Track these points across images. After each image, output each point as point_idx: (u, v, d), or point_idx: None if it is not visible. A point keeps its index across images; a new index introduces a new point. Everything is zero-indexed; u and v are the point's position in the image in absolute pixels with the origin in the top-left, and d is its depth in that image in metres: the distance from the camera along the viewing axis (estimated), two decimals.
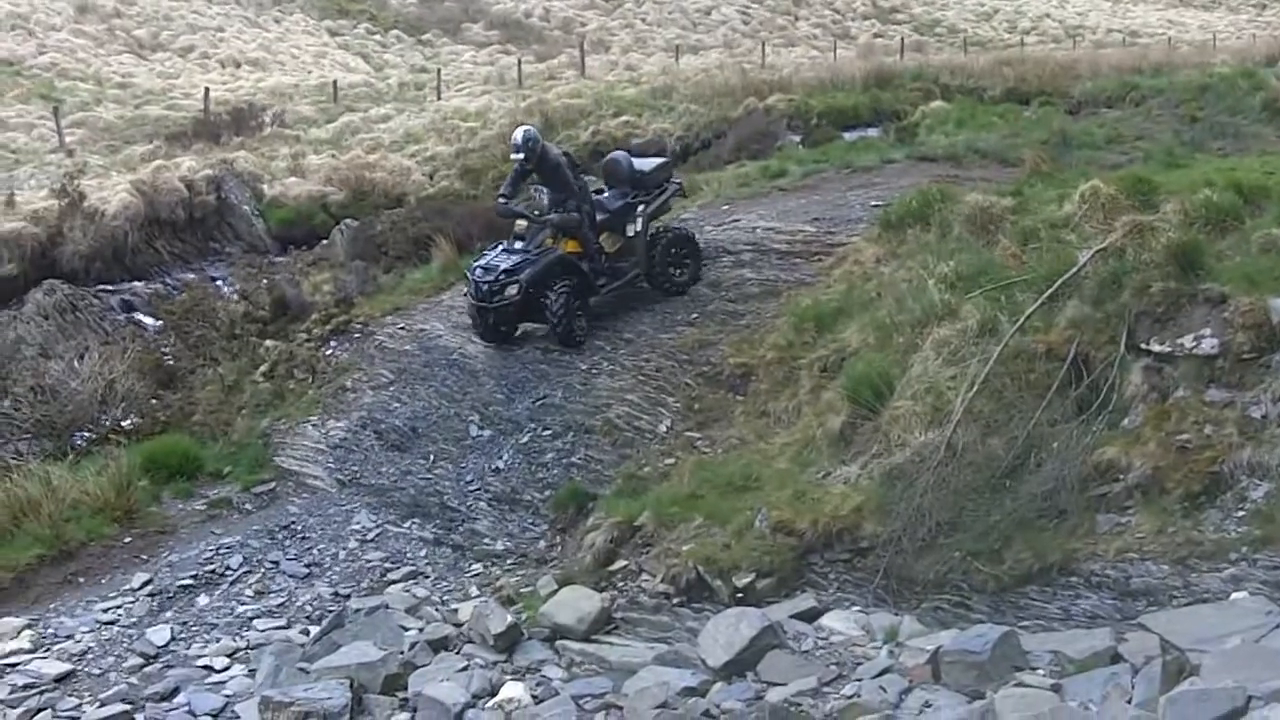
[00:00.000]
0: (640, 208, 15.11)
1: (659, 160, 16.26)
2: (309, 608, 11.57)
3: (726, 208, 18.16)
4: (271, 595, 11.94)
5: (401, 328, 16.08)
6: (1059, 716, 6.46)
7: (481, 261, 14.45)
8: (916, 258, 13.04)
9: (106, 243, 23.52)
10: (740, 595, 9.89)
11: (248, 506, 13.72)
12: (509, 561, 12.22)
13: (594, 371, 14.11)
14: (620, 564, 11.04)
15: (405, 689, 9.45)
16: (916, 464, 9.98)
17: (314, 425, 14.61)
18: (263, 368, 16.16)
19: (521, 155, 14.26)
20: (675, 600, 10.29)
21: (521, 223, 14.37)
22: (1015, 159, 18.69)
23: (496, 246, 14.67)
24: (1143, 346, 10.02)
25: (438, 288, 17.36)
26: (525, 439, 13.53)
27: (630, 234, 15.06)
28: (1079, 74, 32.24)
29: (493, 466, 13.36)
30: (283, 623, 11.30)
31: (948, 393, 10.48)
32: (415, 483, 13.42)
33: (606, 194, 15.30)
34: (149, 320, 19.17)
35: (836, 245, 15.40)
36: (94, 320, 19.43)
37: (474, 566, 12.25)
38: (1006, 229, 12.91)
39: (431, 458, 13.69)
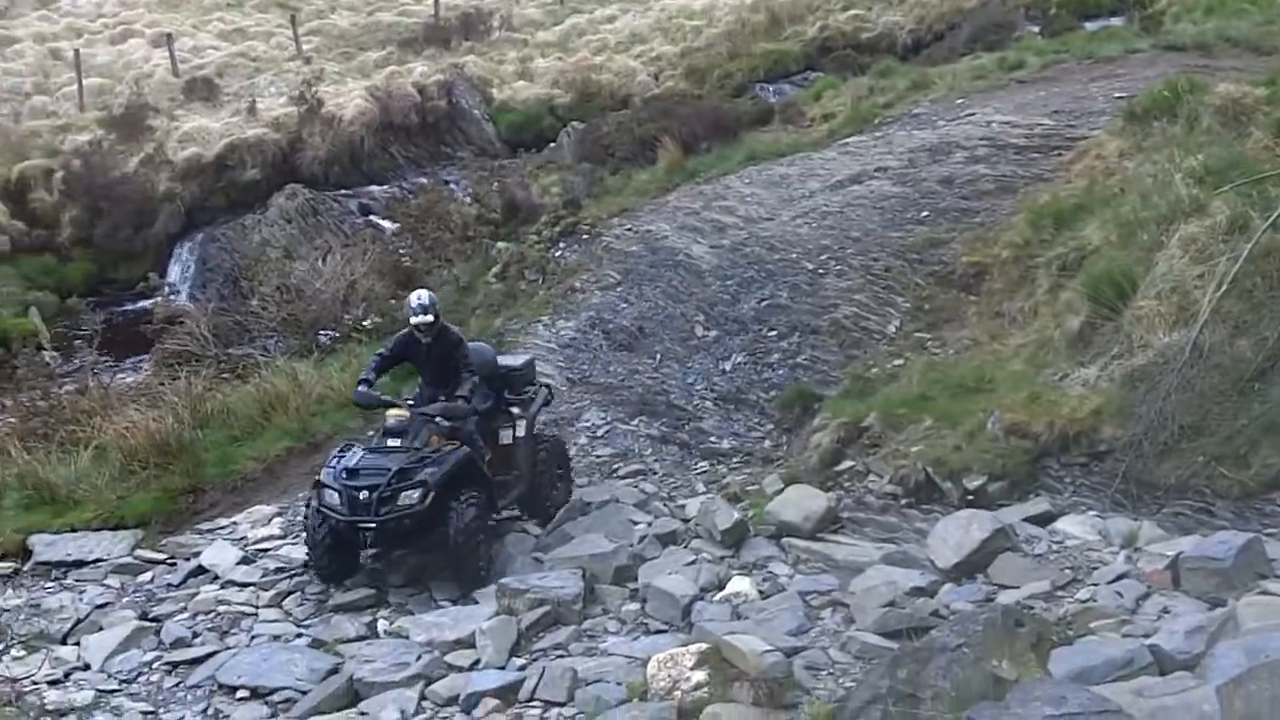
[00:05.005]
0: (516, 410, 11.58)
1: (525, 357, 12.53)
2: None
3: (960, 101, 17.70)
4: None
5: (628, 229, 16.19)
6: None
7: (344, 463, 10.29)
8: (1162, 151, 12.50)
9: (344, 148, 24.40)
10: (971, 498, 9.75)
11: None
12: (735, 460, 12.29)
13: (821, 271, 13.96)
14: (847, 464, 11.00)
15: (635, 580, 9.68)
16: (1159, 366, 9.63)
17: (544, 325, 14.90)
18: (495, 269, 16.53)
19: (429, 318, 10.70)
20: (903, 501, 10.22)
21: (396, 413, 10.55)
22: (1270, 47, 17.60)
23: (351, 447, 10.70)
24: None
25: (663, 188, 17.39)
26: (751, 339, 13.52)
27: (505, 442, 11.39)
28: None
29: (719, 366, 13.41)
30: (516, 513, 11.64)
31: (1194, 292, 10.04)
32: (642, 382, 13.58)
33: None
34: (386, 223, 19.80)
35: (1077, 139, 14.85)
36: (334, 223, 20.24)
37: (700, 464, 12.36)
38: (1260, 121, 12.31)
39: (658, 357, 13.83)
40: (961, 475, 9.93)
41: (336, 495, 10.06)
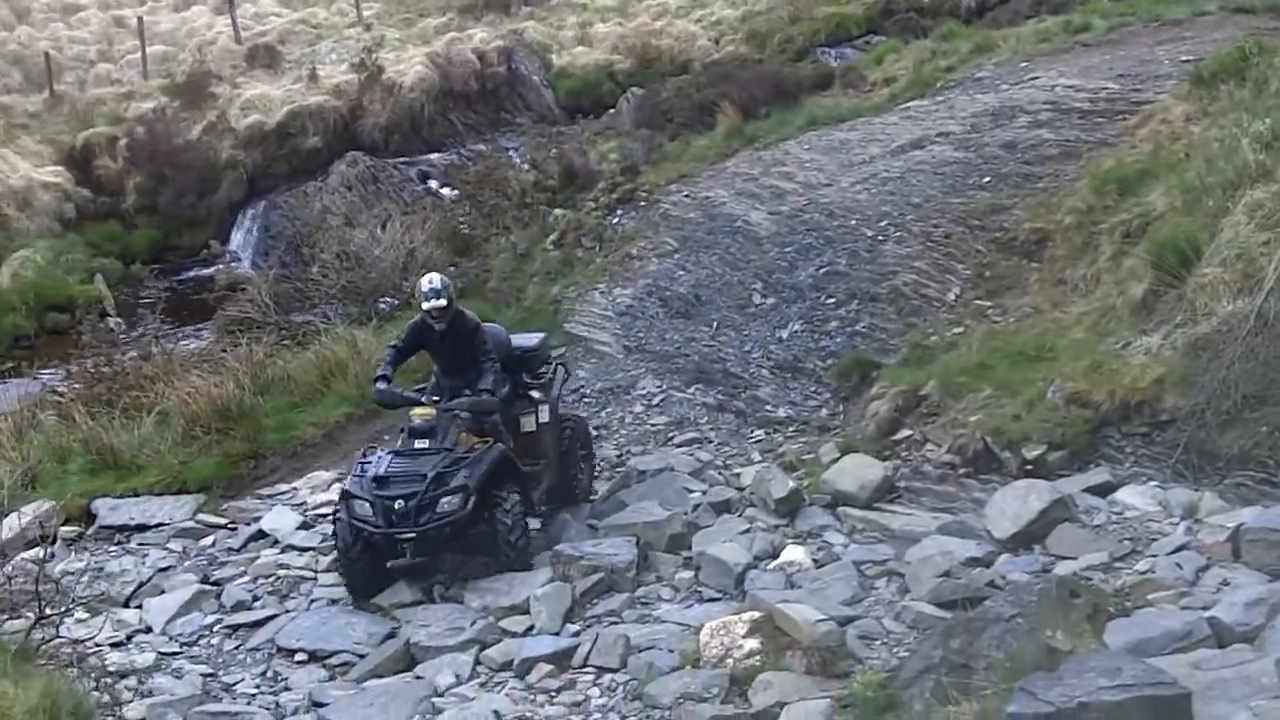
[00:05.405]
0: (536, 394, 10.87)
1: (539, 335, 11.83)
2: (597, 469, 11.86)
3: (1025, 65, 17.46)
4: None
5: (686, 195, 16.12)
6: None
7: (373, 472, 9.55)
8: (1230, 116, 12.22)
9: (404, 115, 24.51)
10: (1029, 467, 9.64)
11: None
12: (791, 428, 12.23)
13: (880, 238, 13.83)
14: (904, 433, 10.91)
15: (689, 548, 9.69)
16: (1224, 334, 9.45)
17: (601, 292, 14.89)
18: (552, 236, 16.52)
19: (443, 303, 9.96)
20: (961, 471, 10.11)
21: (421, 412, 9.86)
22: None
23: (374, 452, 9.97)
24: None
25: (722, 154, 17.29)
26: (809, 307, 13.44)
27: (529, 429, 10.67)
28: None
29: (776, 334, 13.34)
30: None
31: (1260, 259, 9.81)
32: (699, 349, 13.54)
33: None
34: (445, 190, 19.84)
35: (1142, 103, 14.57)
36: (394, 190, 20.34)
37: (756, 433, 12.31)
38: None
39: (715, 325, 13.77)
40: (1020, 445, 9.82)
41: (369, 506, 9.36)
